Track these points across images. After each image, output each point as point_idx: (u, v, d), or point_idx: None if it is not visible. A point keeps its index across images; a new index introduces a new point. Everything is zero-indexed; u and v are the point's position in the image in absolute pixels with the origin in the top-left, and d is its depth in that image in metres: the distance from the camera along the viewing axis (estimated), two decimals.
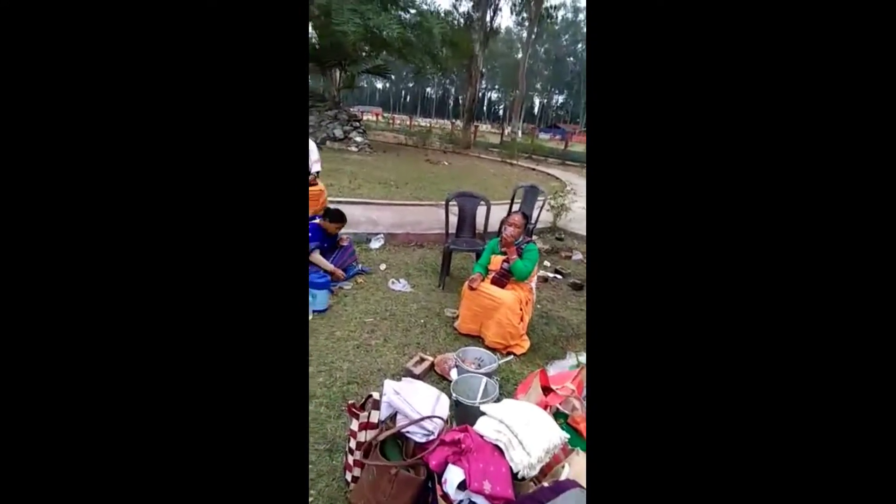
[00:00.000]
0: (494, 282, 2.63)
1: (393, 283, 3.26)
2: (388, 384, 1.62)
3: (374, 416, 1.54)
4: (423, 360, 2.24)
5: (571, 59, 48.61)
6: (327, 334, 2.50)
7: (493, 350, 2.42)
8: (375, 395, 1.58)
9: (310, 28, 11.00)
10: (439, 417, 1.51)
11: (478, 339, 2.58)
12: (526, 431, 1.37)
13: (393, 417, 1.56)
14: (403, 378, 1.86)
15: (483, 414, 1.49)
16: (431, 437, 1.46)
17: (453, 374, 2.13)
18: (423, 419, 1.48)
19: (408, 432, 1.48)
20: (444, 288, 3.32)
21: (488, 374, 1.94)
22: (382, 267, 3.62)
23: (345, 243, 3.34)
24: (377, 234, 4.19)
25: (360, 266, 3.45)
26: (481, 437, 1.38)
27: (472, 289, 2.58)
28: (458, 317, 2.71)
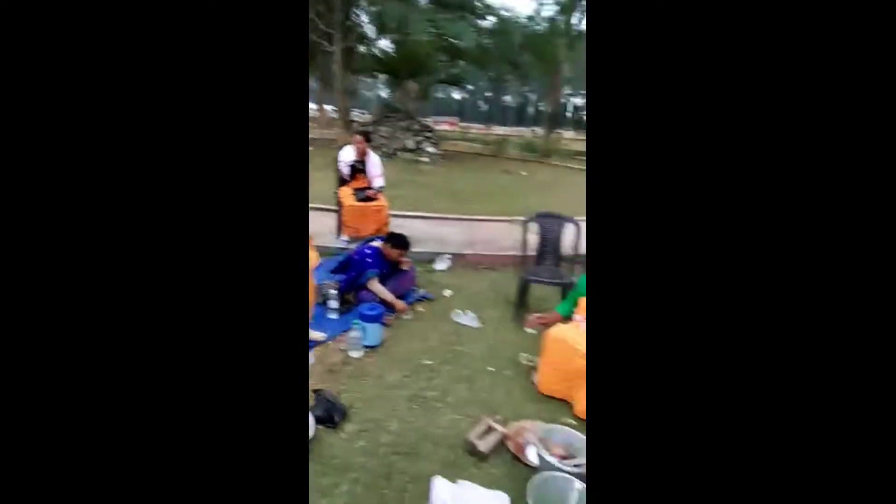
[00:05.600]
0: None
1: (457, 314, 2.81)
2: (439, 487, 1.15)
3: None
4: (491, 429, 1.74)
5: None
6: (375, 378, 2.11)
7: None
8: None
9: (385, 40, 11.15)
10: None
11: (564, 404, 2.01)
12: None
13: None
14: (459, 481, 1.37)
15: None
16: None
17: (531, 455, 1.61)
18: None
19: None
20: (519, 324, 2.78)
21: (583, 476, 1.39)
22: (447, 293, 3.18)
23: (405, 267, 2.96)
24: (443, 253, 3.78)
25: (420, 291, 3.04)
26: None
27: (543, 324, 2.27)
28: (537, 369, 2.17)
